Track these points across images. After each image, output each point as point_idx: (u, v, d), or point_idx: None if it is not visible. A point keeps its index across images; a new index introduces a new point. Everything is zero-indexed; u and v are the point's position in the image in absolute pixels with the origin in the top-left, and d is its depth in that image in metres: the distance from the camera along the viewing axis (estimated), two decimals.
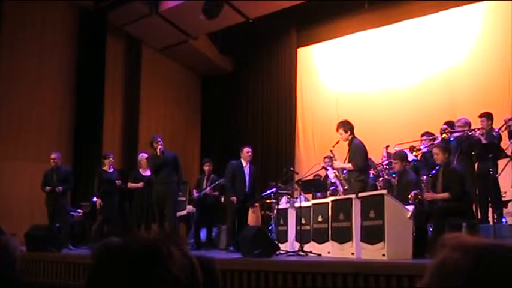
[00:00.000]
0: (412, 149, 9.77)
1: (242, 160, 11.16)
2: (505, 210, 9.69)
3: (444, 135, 9.03)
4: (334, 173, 9.68)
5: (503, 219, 9.47)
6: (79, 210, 12.91)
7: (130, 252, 1.19)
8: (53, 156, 11.76)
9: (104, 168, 11.92)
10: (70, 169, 12.44)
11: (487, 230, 8.10)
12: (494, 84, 12.32)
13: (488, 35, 12.75)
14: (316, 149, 15.20)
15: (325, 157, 11.19)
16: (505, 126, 8.58)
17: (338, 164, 9.32)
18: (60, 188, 11.54)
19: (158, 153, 10.57)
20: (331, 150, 9.46)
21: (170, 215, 10.58)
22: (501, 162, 8.98)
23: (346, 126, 9.16)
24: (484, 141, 8.73)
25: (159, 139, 10.77)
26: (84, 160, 14.01)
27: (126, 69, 16.06)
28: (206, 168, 12.46)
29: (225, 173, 11.18)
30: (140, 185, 11.60)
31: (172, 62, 17.13)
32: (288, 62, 16.43)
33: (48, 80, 14.18)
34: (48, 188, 11.52)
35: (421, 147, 9.80)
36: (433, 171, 8.21)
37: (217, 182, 12.11)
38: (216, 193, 12.16)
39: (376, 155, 10.63)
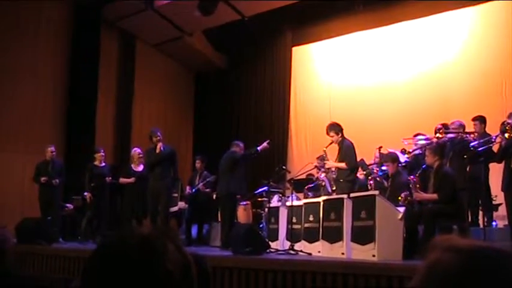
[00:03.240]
0: (404, 151, 9.80)
1: None
2: (495, 214, 9.73)
3: (438, 134, 9.07)
4: (324, 172, 9.75)
5: (494, 223, 9.54)
6: (68, 205, 12.87)
7: (125, 247, 1.20)
8: (51, 148, 11.81)
9: (95, 163, 11.92)
10: (62, 162, 12.46)
11: (477, 233, 8.16)
12: (488, 87, 12.37)
13: (481, 37, 12.79)
14: (308, 148, 15.21)
15: (318, 157, 11.22)
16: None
17: (331, 163, 9.39)
18: (57, 180, 11.57)
19: (157, 151, 10.58)
20: (324, 150, 9.51)
21: (163, 211, 10.58)
22: (492, 166, 9.03)
23: (336, 128, 9.25)
24: (476, 145, 8.77)
25: (159, 133, 10.72)
26: (76, 154, 13.94)
27: (120, 64, 16.01)
28: (198, 165, 12.51)
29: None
30: (132, 180, 11.59)
31: (166, 58, 17.10)
32: (282, 60, 16.42)
33: (41, 73, 14.13)
34: (44, 178, 11.51)
35: (414, 147, 9.82)
36: (419, 171, 8.28)
37: (207, 180, 12.14)
38: (208, 190, 12.18)
39: (368, 154, 10.67)
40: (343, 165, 9.08)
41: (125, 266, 1.17)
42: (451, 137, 9.21)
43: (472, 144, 8.51)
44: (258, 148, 10.75)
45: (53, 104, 14.44)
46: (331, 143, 9.32)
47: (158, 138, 10.67)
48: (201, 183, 12.16)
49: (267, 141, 10.85)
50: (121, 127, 15.74)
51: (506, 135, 7.30)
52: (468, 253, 0.97)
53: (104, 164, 12.03)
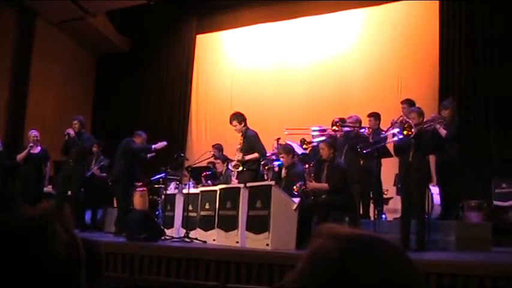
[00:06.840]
0: (302, 142, 10.00)
1: None
2: (385, 207, 10.13)
3: (335, 127, 9.37)
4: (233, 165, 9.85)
5: (383, 216, 9.93)
6: None
7: (11, 226, 1.18)
8: None
9: None
10: None
11: (368, 225, 8.47)
12: (385, 81, 12.91)
13: (379, 35, 13.30)
14: (208, 136, 15.24)
15: (214, 145, 11.38)
16: (392, 127, 8.95)
17: (241, 156, 9.41)
18: None
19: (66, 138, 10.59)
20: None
21: (73, 196, 10.84)
22: (384, 161, 9.37)
23: (239, 117, 9.35)
24: (371, 140, 9.11)
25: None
26: None
27: (17, 42, 15.34)
28: (94, 149, 12.32)
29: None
30: (26, 152, 11.26)
31: (67, 38, 16.57)
32: (186, 47, 16.33)
33: None
34: None
35: (312, 140, 10.05)
36: (314, 161, 8.54)
37: (101, 163, 12.03)
38: (104, 174, 12.02)
39: (267, 144, 10.82)
40: (255, 155, 9.21)
41: (11, 246, 1.14)
42: (346, 131, 9.53)
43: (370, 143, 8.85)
44: (153, 146, 10.78)
45: None
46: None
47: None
48: (96, 167, 12.03)
49: (165, 142, 10.85)
50: (15, 108, 15.07)
51: (405, 132, 7.63)
52: (347, 240, 1.02)
53: None
